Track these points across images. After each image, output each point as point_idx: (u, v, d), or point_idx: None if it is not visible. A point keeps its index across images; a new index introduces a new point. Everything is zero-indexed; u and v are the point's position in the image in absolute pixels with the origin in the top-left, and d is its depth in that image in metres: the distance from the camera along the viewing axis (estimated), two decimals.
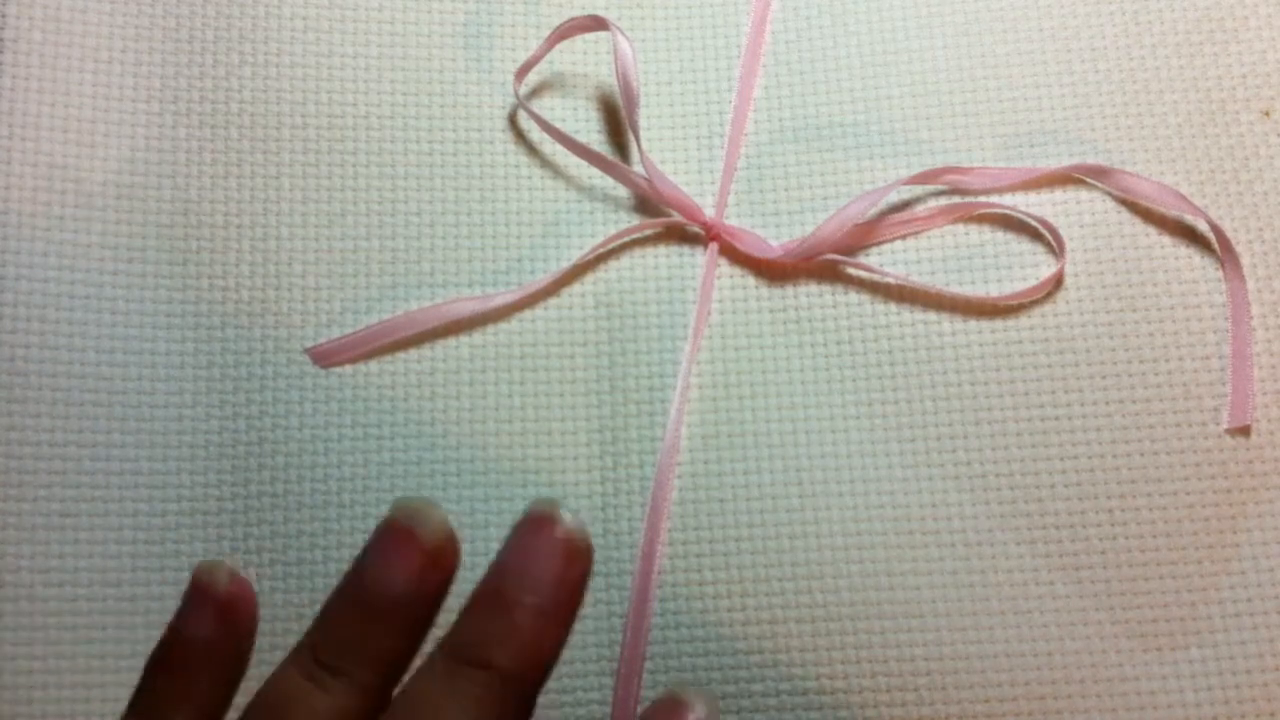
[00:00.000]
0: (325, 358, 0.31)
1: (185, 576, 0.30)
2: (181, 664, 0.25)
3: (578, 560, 0.25)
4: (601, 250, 0.32)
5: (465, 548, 0.30)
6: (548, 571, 0.25)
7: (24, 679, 0.29)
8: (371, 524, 0.30)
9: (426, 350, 0.32)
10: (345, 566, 0.29)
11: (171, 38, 0.33)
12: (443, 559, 0.25)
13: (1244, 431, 0.32)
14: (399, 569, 0.25)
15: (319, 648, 0.25)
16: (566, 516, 0.25)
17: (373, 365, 0.31)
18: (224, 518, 0.30)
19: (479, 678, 0.24)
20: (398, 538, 0.25)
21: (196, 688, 0.25)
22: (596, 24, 0.33)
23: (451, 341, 0.32)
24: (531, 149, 0.33)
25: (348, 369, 0.31)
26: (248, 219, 0.32)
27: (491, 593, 0.25)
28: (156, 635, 0.29)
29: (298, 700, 0.24)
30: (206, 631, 0.25)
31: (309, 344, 0.31)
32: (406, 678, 0.25)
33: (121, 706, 0.29)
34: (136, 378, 0.31)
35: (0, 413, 0.30)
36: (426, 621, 0.25)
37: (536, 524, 0.25)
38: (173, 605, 0.29)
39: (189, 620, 0.26)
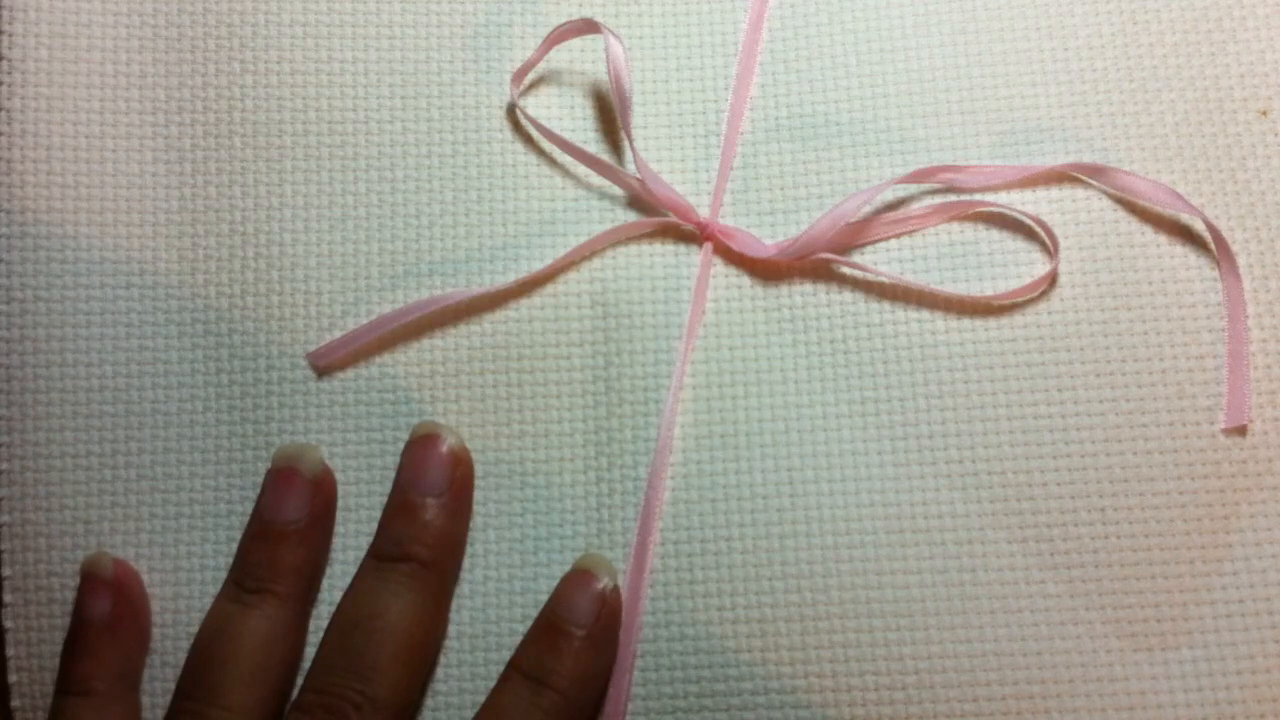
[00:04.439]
0: (324, 358, 0.32)
1: (198, 577, 0.31)
2: (91, 643, 0.30)
3: (462, 464, 0.31)
4: (596, 247, 0.33)
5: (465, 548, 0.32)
6: (441, 476, 0.31)
7: (46, 677, 0.31)
8: (373, 525, 0.31)
9: (425, 354, 0.32)
10: (350, 566, 0.31)
11: (174, 48, 0.34)
12: (324, 485, 0.31)
13: (1240, 431, 0.31)
14: (290, 498, 0.30)
15: (240, 579, 0.30)
16: (446, 433, 0.31)
17: (373, 369, 0.32)
18: (234, 520, 0.31)
19: (403, 568, 0.30)
20: (285, 475, 0.31)
21: (109, 657, 0.30)
22: (589, 27, 0.33)
23: (450, 344, 0.32)
24: (529, 150, 0.34)
25: (349, 373, 0.32)
26: (252, 227, 0.33)
27: (400, 502, 0.31)
28: (172, 633, 0.31)
29: (232, 623, 0.29)
30: (105, 609, 0.30)
31: (311, 348, 0.32)
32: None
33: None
34: (151, 388, 0.32)
35: (26, 428, 0.32)
36: (322, 536, 0.31)
37: (424, 441, 0.31)
38: (186, 604, 0.31)
39: (88, 604, 0.30)
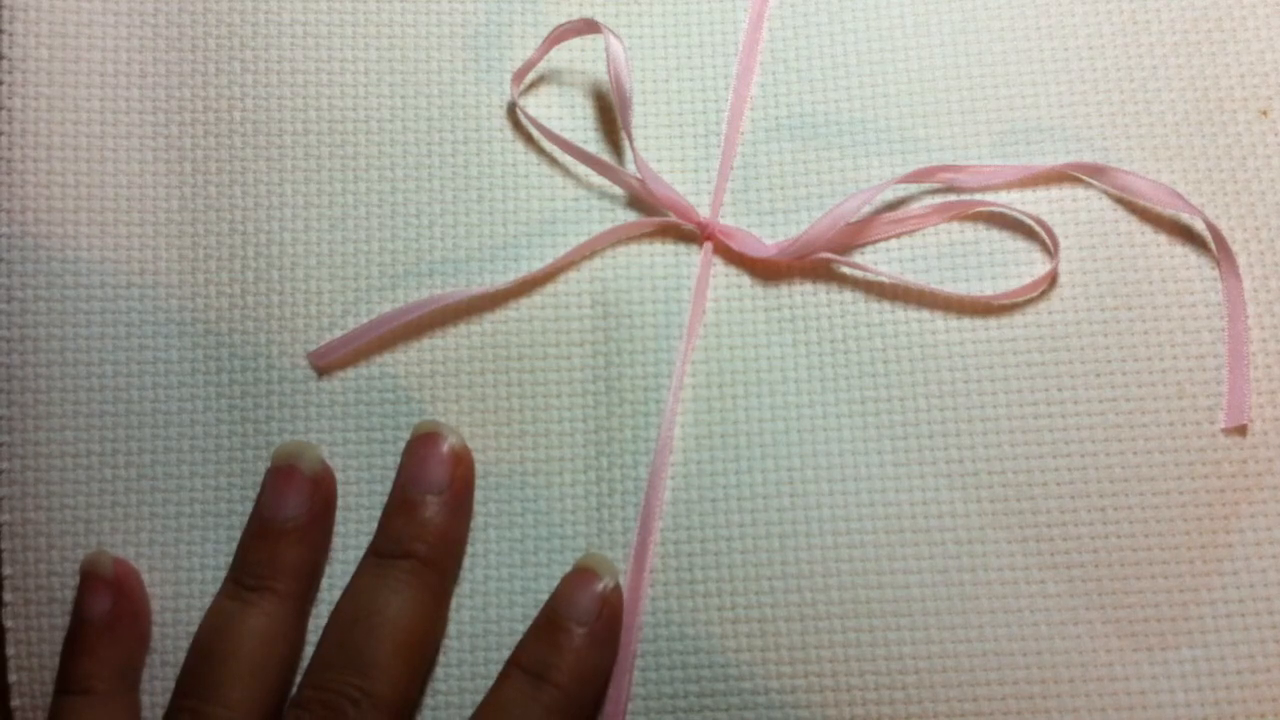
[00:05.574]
0: (324, 358, 0.32)
1: (198, 576, 0.31)
2: (91, 642, 0.30)
3: (463, 462, 0.31)
4: (596, 247, 0.33)
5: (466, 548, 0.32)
6: (442, 474, 0.31)
7: (45, 676, 0.31)
8: (373, 524, 0.31)
9: (425, 354, 0.32)
10: (350, 565, 0.31)
11: (175, 48, 0.34)
12: (323, 483, 0.31)
13: (1240, 431, 0.31)
14: (290, 495, 0.30)
15: (239, 576, 0.30)
16: (447, 432, 0.31)
17: (373, 369, 0.32)
18: (234, 519, 0.31)
19: (403, 565, 0.30)
20: (284, 473, 0.31)
21: (109, 656, 0.30)
22: (590, 27, 0.33)
23: (450, 344, 0.32)
24: (529, 150, 0.34)
25: (349, 373, 0.32)
26: (252, 226, 0.33)
27: (401, 499, 0.31)
28: (172, 632, 0.31)
29: (232, 621, 0.29)
30: (105, 608, 0.30)
31: (311, 348, 0.32)
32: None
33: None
34: (151, 387, 0.32)
35: (26, 428, 0.32)
36: (322, 535, 0.31)
37: (425, 440, 0.31)
38: (186, 603, 0.31)
39: (88, 603, 0.30)
